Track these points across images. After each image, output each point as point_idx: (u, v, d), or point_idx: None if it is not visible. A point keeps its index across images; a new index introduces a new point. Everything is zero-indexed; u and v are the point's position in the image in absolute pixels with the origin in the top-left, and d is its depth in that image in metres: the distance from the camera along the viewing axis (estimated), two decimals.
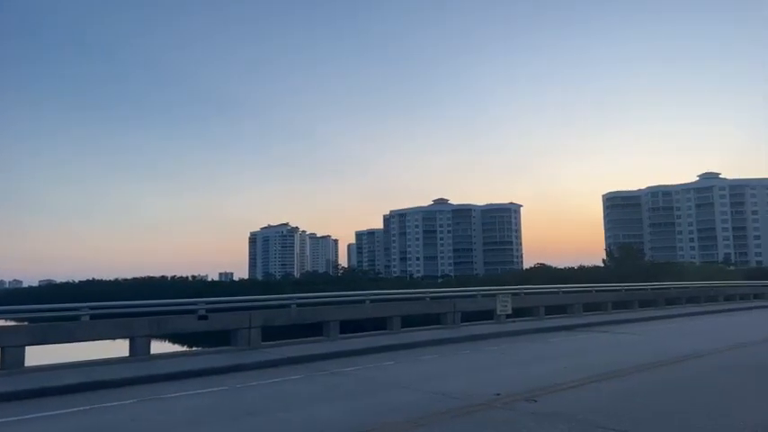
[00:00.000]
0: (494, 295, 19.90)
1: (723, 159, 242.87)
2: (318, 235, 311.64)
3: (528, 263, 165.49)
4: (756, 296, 35.13)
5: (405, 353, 14.06)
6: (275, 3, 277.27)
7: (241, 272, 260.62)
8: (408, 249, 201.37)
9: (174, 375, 10.94)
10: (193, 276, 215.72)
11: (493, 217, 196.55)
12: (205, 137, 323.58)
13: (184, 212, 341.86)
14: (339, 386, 10.05)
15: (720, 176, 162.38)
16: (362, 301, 16.58)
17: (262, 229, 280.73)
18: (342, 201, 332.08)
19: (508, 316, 20.00)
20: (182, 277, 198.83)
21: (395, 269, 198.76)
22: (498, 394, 8.94)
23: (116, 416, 8.15)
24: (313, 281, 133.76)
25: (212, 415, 8.10)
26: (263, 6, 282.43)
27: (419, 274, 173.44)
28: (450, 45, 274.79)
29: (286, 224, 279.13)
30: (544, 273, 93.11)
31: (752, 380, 10.37)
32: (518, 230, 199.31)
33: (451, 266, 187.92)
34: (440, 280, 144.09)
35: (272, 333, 15.45)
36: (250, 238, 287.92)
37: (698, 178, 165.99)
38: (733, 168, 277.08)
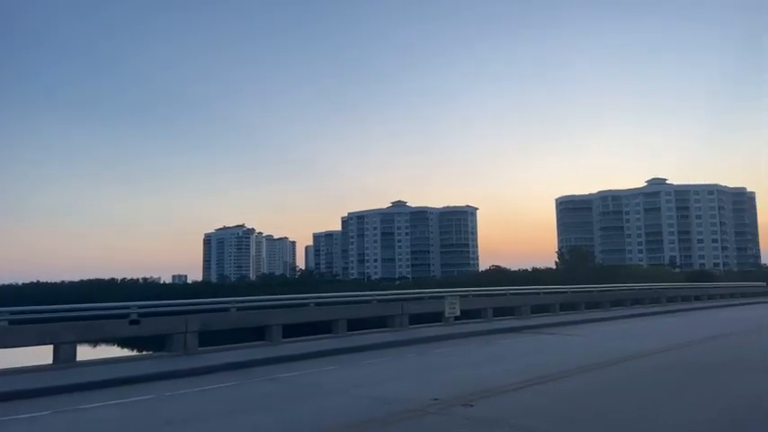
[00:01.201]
0: (442, 297, 19.79)
1: (670, 165, 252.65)
2: (275, 237, 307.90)
3: (484, 265, 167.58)
4: (697, 298, 36.35)
5: (349, 357, 13.74)
6: (233, 5, 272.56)
7: (195, 274, 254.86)
8: (366, 251, 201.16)
9: (98, 384, 10.29)
10: (144, 279, 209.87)
11: (450, 220, 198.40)
12: (161, 138, 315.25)
13: (138, 214, 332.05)
14: (273, 393, 9.64)
15: (667, 182, 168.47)
16: (306, 305, 16.18)
17: (217, 230, 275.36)
18: (300, 203, 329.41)
19: (457, 318, 19.93)
20: (132, 280, 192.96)
21: (353, 271, 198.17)
22: (436, 399, 8.72)
23: (21, 429, 7.54)
24: (268, 283, 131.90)
25: (127, 426, 7.59)
26: (220, 8, 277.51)
27: (377, 276, 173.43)
28: (410, 49, 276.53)
29: (242, 225, 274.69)
30: (498, 275, 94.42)
31: (689, 379, 10.50)
32: (474, 233, 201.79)
33: (409, 268, 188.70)
34: (397, 282, 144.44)
35: (213, 338, 14.89)
36: (205, 240, 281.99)
37: (646, 184, 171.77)
38: (679, 174, 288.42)
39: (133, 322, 12.47)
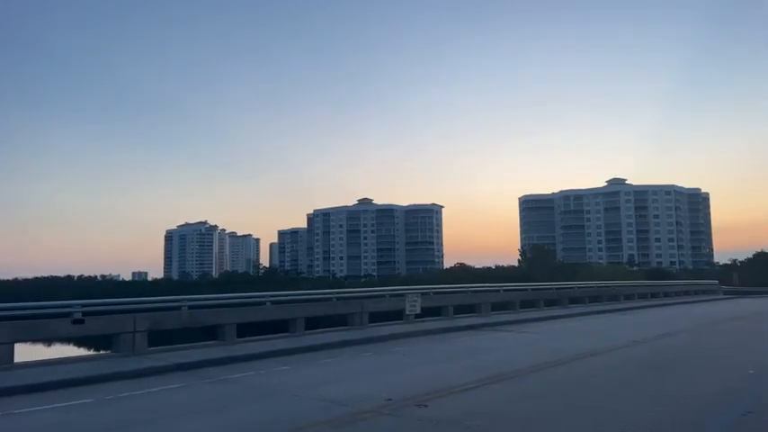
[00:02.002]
0: (403, 295, 19.67)
1: (629, 166, 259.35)
2: (239, 234, 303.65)
3: (449, 262, 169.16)
4: (653, 295, 37.28)
5: (305, 356, 13.46)
6: (199, 2, 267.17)
7: (156, 271, 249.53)
8: (332, 249, 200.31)
9: (37, 387, 9.76)
10: (103, 276, 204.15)
11: (415, 217, 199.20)
12: (123, 134, 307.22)
13: (99, 210, 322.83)
14: (221, 395, 9.30)
15: (626, 182, 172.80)
16: (262, 303, 15.81)
17: (179, 226, 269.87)
18: (265, 200, 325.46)
19: (417, 316, 19.84)
20: (89, 277, 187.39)
21: (318, 269, 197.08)
22: (390, 399, 8.55)
23: None
24: (231, 280, 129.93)
25: None
26: (185, 5, 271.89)
27: (342, 274, 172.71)
28: (377, 49, 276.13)
29: (204, 222, 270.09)
30: (462, 272, 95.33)
31: (640, 378, 10.60)
32: (439, 231, 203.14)
33: (375, 266, 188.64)
34: (363, 279, 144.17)
35: (164, 338, 14.40)
36: (166, 237, 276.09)
37: (606, 183, 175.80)
38: (638, 175, 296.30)
39: (77, 321, 11.91)
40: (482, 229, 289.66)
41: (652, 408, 7.91)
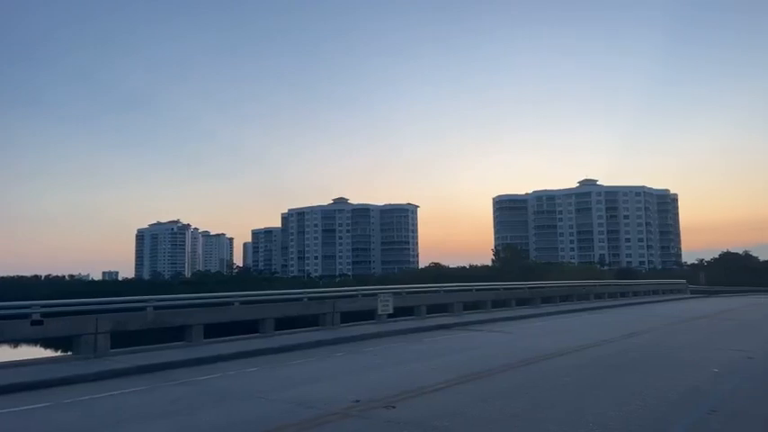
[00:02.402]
0: (375, 295, 19.55)
1: (601, 167, 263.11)
2: (212, 233, 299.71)
3: (424, 262, 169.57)
4: (622, 294, 37.87)
5: (274, 357, 13.25)
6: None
7: (128, 271, 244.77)
8: (307, 248, 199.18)
9: None
10: (71, 275, 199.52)
11: (391, 217, 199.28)
12: (95, 132, 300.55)
13: (68, 209, 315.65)
14: (185, 398, 9.06)
15: (597, 183, 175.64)
16: (231, 303, 15.52)
17: (150, 225, 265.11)
18: (239, 199, 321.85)
19: (390, 316, 19.75)
20: (57, 276, 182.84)
21: (293, 268, 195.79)
22: (358, 401, 8.44)
23: None
24: (204, 280, 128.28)
25: None
26: (159, 2, 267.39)
27: (317, 274, 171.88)
28: (354, 46, 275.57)
29: (177, 221, 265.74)
30: (437, 272, 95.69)
31: (608, 377, 10.68)
32: (415, 231, 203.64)
33: (350, 266, 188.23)
34: (338, 279, 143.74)
35: (130, 339, 13.99)
36: (137, 236, 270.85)
37: (578, 184, 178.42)
38: (609, 176, 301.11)
39: (35, 323, 11.49)
40: (458, 228, 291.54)
41: (619, 407, 7.94)
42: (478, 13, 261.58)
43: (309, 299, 17.72)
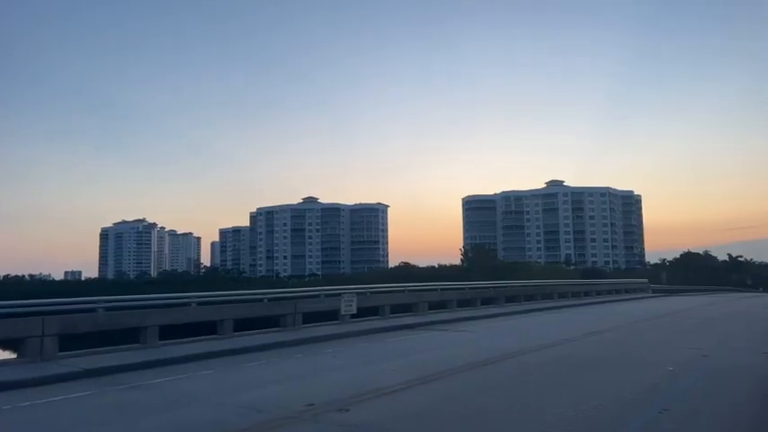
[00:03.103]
0: (338, 295, 19.31)
1: (568, 168, 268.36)
2: (179, 232, 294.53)
3: (394, 262, 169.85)
4: (586, 294, 38.42)
5: (231, 359, 12.90)
6: None
7: (91, 271, 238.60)
8: (276, 248, 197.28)
9: None
10: (31, 275, 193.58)
11: (361, 216, 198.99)
12: (59, 132, 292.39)
13: (31, 207, 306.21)
14: (132, 403, 8.70)
15: (564, 184, 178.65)
16: (188, 304, 15.09)
17: (115, 224, 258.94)
18: (207, 198, 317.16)
19: (353, 316, 19.54)
20: (17, 276, 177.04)
21: (261, 268, 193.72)
22: (312, 404, 8.20)
23: None
24: (170, 280, 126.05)
25: None
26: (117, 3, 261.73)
27: (286, 274, 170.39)
28: (324, 46, 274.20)
29: (142, 220, 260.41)
30: (407, 271, 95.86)
31: (567, 376, 10.68)
32: (385, 230, 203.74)
33: (320, 265, 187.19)
34: (307, 279, 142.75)
35: (81, 342, 13.45)
36: (101, 235, 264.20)
37: (545, 185, 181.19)
38: (576, 177, 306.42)
39: None
40: (427, 228, 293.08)
41: (576, 406, 7.91)
42: (449, 14, 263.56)
43: (270, 299, 17.35)
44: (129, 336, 13.94)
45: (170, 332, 14.78)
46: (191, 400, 8.76)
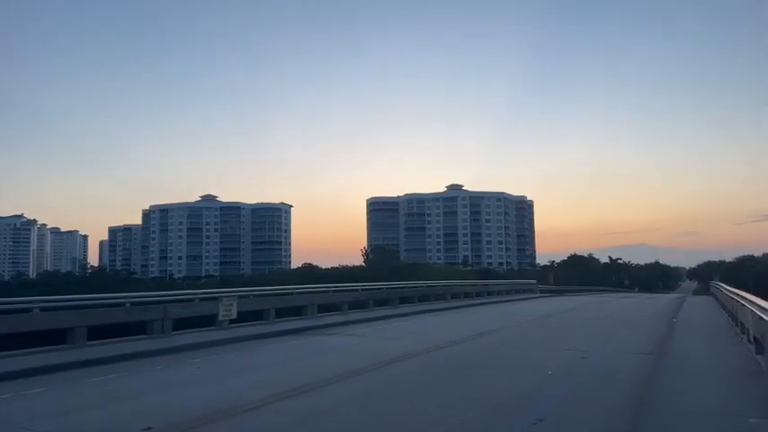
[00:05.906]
0: (216, 299, 17.79)
1: (468, 173, 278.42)
2: (63, 230, 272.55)
3: (297, 262, 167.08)
4: (478, 294, 39.09)
5: (76, 373, 11.19)
6: None
7: None
8: (170, 248, 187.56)
9: None
10: None
11: (263, 216, 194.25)
12: None
13: None
14: None
15: (464, 188, 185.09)
16: (29, 310, 13.05)
17: None
18: (95, 193, 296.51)
19: (233, 321, 18.10)
20: None
21: (153, 269, 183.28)
22: (149, 429, 6.94)
23: None
24: (51, 281, 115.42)
25: None
26: None
27: (181, 275, 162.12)
28: (233, 46, 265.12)
29: (20, 215, 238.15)
30: (309, 272, 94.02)
31: (447, 381, 10.22)
32: (288, 230, 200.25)
33: (218, 266, 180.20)
34: (203, 280, 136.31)
35: None
36: None
37: (446, 189, 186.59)
38: (475, 182, 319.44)
39: None
40: (332, 229, 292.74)
41: (452, 417, 7.31)
42: (356, 21, 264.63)
43: (133, 304, 15.52)
44: None
45: (11, 342, 12.72)
46: (1, 427, 7.19)
